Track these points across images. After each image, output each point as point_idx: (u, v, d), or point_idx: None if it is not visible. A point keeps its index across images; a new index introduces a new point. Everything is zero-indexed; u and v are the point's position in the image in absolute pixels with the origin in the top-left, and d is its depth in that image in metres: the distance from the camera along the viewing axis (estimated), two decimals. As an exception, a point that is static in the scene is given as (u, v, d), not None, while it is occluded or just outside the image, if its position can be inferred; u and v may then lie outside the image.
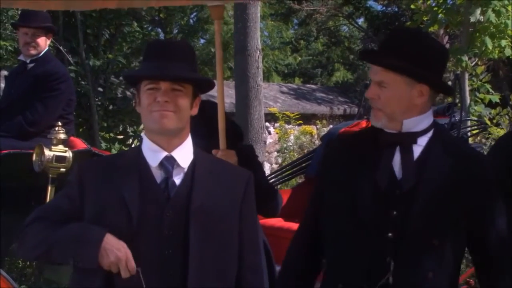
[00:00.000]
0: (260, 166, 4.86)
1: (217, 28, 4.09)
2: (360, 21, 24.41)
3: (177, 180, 3.17)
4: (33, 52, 6.29)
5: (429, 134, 3.31)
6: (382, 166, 3.26)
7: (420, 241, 3.21)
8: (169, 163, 3.17)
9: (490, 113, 10.39)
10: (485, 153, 8.55)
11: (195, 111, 3.25)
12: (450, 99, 9.68)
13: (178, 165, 3.18)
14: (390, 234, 3.21)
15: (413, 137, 3.28)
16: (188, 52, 3.25)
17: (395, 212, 3.22)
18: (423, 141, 3.29)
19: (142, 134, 3.28)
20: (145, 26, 16.50)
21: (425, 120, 3.30)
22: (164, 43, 3.33)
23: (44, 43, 6.34)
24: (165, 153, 3.16)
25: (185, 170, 3.19)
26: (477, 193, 3.27)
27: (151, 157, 3.17)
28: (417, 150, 3.28)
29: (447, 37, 11.28)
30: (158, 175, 3.16)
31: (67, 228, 3.09)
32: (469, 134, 5.99)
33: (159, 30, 20.77)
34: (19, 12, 8.54)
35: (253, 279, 3.29)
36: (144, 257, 3.08)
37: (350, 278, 3.25)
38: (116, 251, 3.03)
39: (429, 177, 3.23)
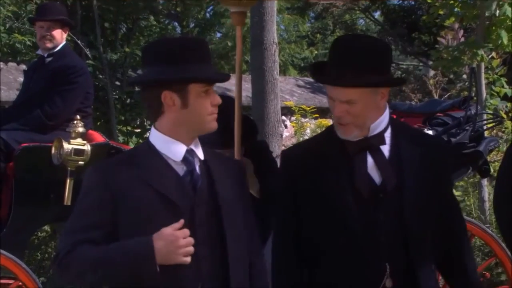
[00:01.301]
0: (274, 162, 4.79)
1: (238, 34, 4.10)
2: (377, 14, 24.37)
3: (199, 171, 3.23)
4: (49, 45, 6.33)
5: (389, 130, 3.34)
6: (358, 173, 3.26)
7: (417, 240, 3.24)
8: (191, 156, 3.22)
9: (506, 107, 10.37)
10: (501, 146, 8.57)
11: None
12: (465, 93, 9.69)
13: (197, 157, 3.24)
14: (382, 239, 3.22)
15: (380, 137, 3.30)
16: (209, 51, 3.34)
17: (382, 216, 3.24)
18: (387, 138, 3.32)
19: (152, 127, 3.29)
20: (162, 20, 16.55)
21: (385, 118, 3.33)
22: (195, 43, 3.32)
23: (60, 36, 6.38)
24: (185, 147, 3.22)
25: (200, 162, 3.25)
26: (444, 178, 3.38)
27: (173, 152, 3.21)
28: (385, 148, 3.30)
29: (462, 31, 11.25)
30: (180, 169, 3.21)
31: (112, 251, 3.05)
32: (484, 127, 6.00)
33: (176, 24, 20.79)
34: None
35: (258, 262, 3.35)
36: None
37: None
38: (170, 246, 3.03)
39: (408, 173, 3.26)
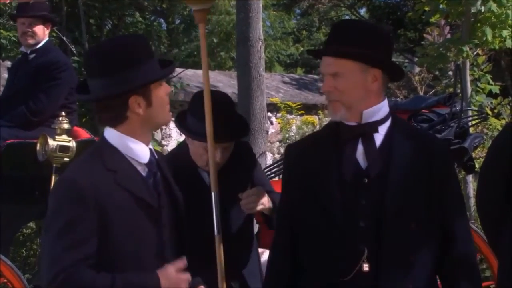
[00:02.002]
0: (257, 166, 4.70)
1: (202, 32, 4.10)
2: (362, 11, 24.37)
3: (159, 173, 3.30)
4: (31, 41, 6.32)
5: (388, 123, 3.37)
6: (346, 158, 3.30)
7: (397, 227, 3.25)
8: (152, 156, 3.28)
9: (491, 103, 10.41)
10: (486, 143, 8.61)
11: None
12: (451, 89, 9.71)
13: (154, 157, 3.30)
14: (361, 224, 3.25)
15: (374, 126, 3.33)
16: None
17: (364, 201, 3.27)
18: (383, 129, 3.35)
19: (109, 129, 3.25)
20: (148, 16, 16.52)
21: (382, 109, 3.36)
22: (141, 41, 3.31)
23: (42, 32, 6.36)
24: (147, 147, 3.26)
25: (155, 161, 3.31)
26: (443, 170, 3.36)
27: (136, 154, 3.22)
28: (378, 138, 3.33)
29: (448, 27, 11.27)
30: (142, 170, 3.24)
31: (118, 283, 3.03)
32: (470, 124, 6.01)
33: (162, 20, 20.76)
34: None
35: None
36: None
37: (324, 271, 3.29)
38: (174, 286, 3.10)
39: (396, 163, 3.29)
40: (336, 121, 3.40)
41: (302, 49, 26.53)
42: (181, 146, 4.47)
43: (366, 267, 3.24)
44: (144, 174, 3.22)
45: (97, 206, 3.05)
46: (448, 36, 10.79)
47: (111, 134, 3.22)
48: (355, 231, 3.26)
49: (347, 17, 26.53)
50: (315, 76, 22.16)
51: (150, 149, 3.27)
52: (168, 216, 3.24)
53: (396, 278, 3.25)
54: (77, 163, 3.23)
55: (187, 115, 4.26)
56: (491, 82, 10.13)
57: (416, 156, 3.32)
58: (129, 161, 3.20)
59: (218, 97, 4.12)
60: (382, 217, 3.25)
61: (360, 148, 3.32)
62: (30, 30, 6.29)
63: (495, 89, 10.15)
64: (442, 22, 10.84)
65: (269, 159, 13.65)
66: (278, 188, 3.70)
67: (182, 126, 4.25)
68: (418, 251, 3.31)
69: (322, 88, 3.38)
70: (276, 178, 6.17)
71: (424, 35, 12.12)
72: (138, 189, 3.16)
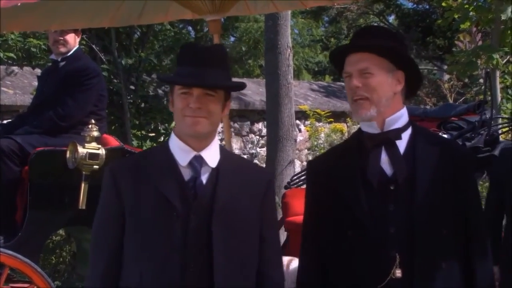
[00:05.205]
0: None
1: (216, 42, 4.09)
2: (391, 18, 24.30)
3: (204, 179, 3.25)
4: (62, 49, 6.35)
5: (409, 130, 3.39)
6: (371, 166, 3.30)
7: (429, 232, 3.25)
8: (197, 163, 3.25)
9: (521, 111, 10.32)
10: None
11: (226, 111, 3.34)
12: (481, 97, 9.65)
13: (206, 164, 3.26)
14: (391, 230, 3.25)
15: (397, 132, 3.34)
16: (221, 57, 3.30)
17: (392, 208, 3.27)
18: (405, 136, 3.36)
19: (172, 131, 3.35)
20: (176, 24, 16.55)
21: (402, 116, 3.38)
22: (198, 48, 3.34)
23: (73, 40, 6.39)
24: (194, 153, 3.24)
25: (211, 169, 3.26)
26: (465, 178, 3.37)
27: (181, 156, 3.25)
28: (401, 145, 3.34)
29: (479, 35, 11.21)
30: (187, 174, 3.24)
31: None
32: (500, 131, 5.97)
33: (190, 28, 20.81)
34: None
35: (274, 276, 3.37)
36: (171, 253, 3.17)
37: (357, 280, 3.27)
38: None
39: (422, 169, 3.29)
40: (357, 132, 3.43)
41: (330, 56, 26.48)
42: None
43: (398, 273, 3.24)
44: (186, 177, 3.23)
45: (121, 196, 3.21)
46: (480, 43, 10.72)
47: (172, 133, 3.35)
48: (386, 237, 3.26)
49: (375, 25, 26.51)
50: (343, 84, 22.11)
51: (199, 156, 3.25)
52: (201, 223, 3.19)
53: (428, 283, 3.25)
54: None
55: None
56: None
57: (440, 163, 3.32)
58: (174, 161, 3.24)
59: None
60: (412, 222, 3.25)
61: (384, 155, 3.33)
62: (62, 38, 6.32)
63: (526, 96, 10.08)
64: (474, 29, 10.78)
65: (297, 166, 13.63)
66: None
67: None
68: (449, 256, 3.31)
69: (349, 85, 3.33)
70: (304, 186, 6.15)
71: (456, 42, 12.06)
72: (164, 186, 3.18)
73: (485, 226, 3.51)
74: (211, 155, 3.28)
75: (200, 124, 3.20)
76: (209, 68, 3.21)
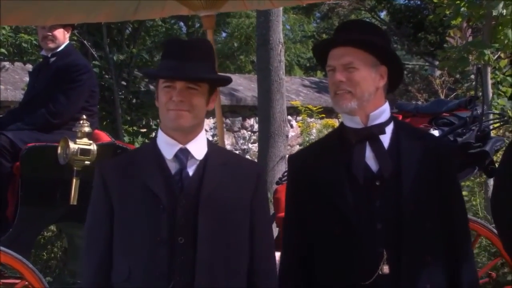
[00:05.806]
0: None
1: (210, 37, 4.08)
2: (383, 14, 24.33)
3: (191, 171, 3.26)
4: (51, 45, 6.32)
5: (391, 125, 3.38)
6: (356, 161, 3.30)
7: (414, 227, 3.25)
8: (183, 155, 3.26)
9: (513, 106, 10.33)
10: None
11: (211, 106, 3.33)
12: (472, 93, 9.66)
13: (193, 157, 3.27)
14: (378, 226, 3.25)
15: (381, 127, 3.34)
16: (205, 51, 3.29)
17: (378, 203, 3.27)
18: (388, 131, 3.36)
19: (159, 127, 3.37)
20: (168, 20, 16.53)
21: (385, 111, 3.37)
22: (181, 42, 3.34)
23: (62, 35, 6.36)
24: (179, 146, 3.26)
25: (199, 162, 3.27)
26: (447, 176, 3.37)
27: (166, 150, 3.26)
28: (385, 140, 3.34)
29: (470, 30, 11.22)
30: (173, 167, 3.26)
31: None
32: (491, 127, 5.98)
33: (182, 24, 20.80)
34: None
35: (266, 269, 3.36)
36: (159, 247, 3.18)
37: (344, 277, 3.27)
38: None
39: (406, 163, 3.29)
40: (339, 127, 3.43)
41: (322, 52, 26.49)
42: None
43: (386, 269, 3.24)
44: (172, 170, 3.25)
45: (109, 192, 3.25)
46: (470, 39, 10.73)
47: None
48: (373, 234, 3.26)
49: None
50: (335, 80, 22.09)
51: (185, 148, 3.26)
52: (187, 215, 3.21)
53: (415, 278, 3.26)
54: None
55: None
56: (513, 85, 10.06)
57: (424, 157, 3.33)
58: (160, 155, 3.26)
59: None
60: (399, 218, 3.25)
61: (368, 150, 3.33)
62: (51, 34, 6.30)
63: (517, 92, 10.09)
64: (464, 24, 10.78)
65: (289, 162, 13.61)
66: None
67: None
68: (434, 250, 3.31)
69: (332, 79, 3.31)
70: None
71: (447, 38, 12.07)
72: (151, 180, 3.20)
73: (467, 223, 3.51)
74: (197, 148, 3.29)
75: (183, 118, 3.21)
76: (192, 61, 3.21)
